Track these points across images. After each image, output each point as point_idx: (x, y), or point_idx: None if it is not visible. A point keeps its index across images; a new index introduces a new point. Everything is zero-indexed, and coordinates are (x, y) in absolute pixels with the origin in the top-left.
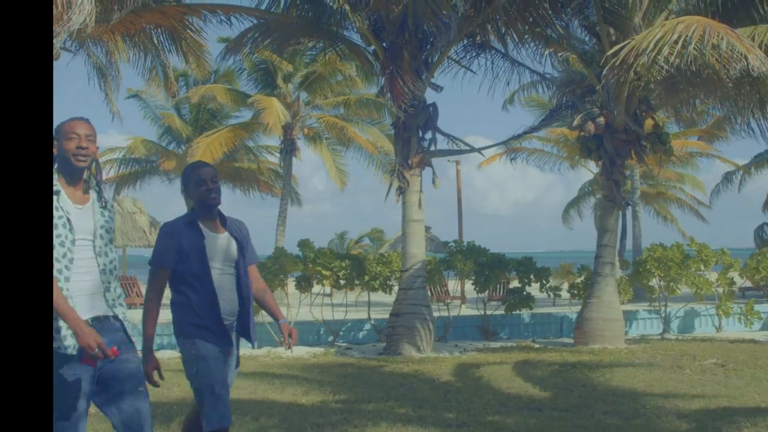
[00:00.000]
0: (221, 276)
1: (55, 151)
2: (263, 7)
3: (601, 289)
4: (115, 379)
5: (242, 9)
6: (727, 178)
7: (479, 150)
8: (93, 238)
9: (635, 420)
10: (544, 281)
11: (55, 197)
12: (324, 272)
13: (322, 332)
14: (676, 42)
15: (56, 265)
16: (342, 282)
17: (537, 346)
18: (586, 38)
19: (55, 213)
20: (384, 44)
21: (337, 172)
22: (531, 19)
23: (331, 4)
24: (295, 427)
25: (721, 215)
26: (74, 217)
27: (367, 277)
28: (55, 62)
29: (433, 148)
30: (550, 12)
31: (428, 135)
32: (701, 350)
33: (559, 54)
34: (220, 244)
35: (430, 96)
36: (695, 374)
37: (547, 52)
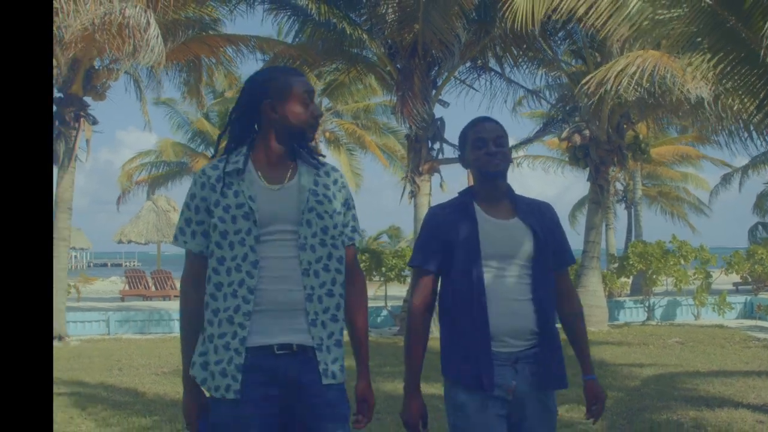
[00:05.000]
0: (501, 280)
1: (274, 113)
2: (293, 33)
3: (587, 279)
4: None
5: (273, 42)
6: (726, 179)
7: None
8: (296, 227)
9: None
10: None
11: (233, 177)
12: None
13: None
14: (634, 73)
15: (234, 276)
16: None
17: None
18: (574, 62)
19: (233, 199)
20: (398, 65)
21: (352, 176)
22: (525, 45)
23: (350, 33)
24: None
25: (724, 215)
26: (264, 203)
27: (384, 269)
28: (113, 83)
29: (441, 156)
30: (540, 39)
31: (437, 145)
32: (669, 332)
33: (551, 73)
34: (504, 234)
35: (438, 111)
36: (657, 349)
37: (540, 72)
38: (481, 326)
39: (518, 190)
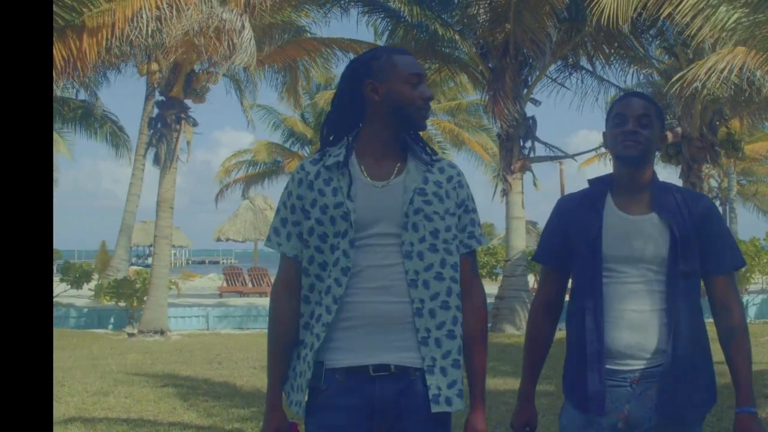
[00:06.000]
0: (624, 287)
1: (375, 95)
2: (385, 35)
3: None
4: None
5: (366, 44)
6: None
7: (573, 156)
8: (400, 231)
9: None
10: None
11: (333, 172)
12: None
13: None
14: (723, 69)
15: (317, 285)
16: None
17: None
18: (666, 58)
19: (331, 198)
20: (489, 65)
21: None
22: (616, 43)
23: (443, 33)
24: None
25: None
26: (364, 202)
27: None
28: (213, 86)
29: (532, 155)
30: (631, 37)
31: (528, 144)
32: (762, 330)
33: (643, 71)
34: (632, 232)
35: (530, 109)
36: None
37: (632, 70)
38: (594, 339)
39: None
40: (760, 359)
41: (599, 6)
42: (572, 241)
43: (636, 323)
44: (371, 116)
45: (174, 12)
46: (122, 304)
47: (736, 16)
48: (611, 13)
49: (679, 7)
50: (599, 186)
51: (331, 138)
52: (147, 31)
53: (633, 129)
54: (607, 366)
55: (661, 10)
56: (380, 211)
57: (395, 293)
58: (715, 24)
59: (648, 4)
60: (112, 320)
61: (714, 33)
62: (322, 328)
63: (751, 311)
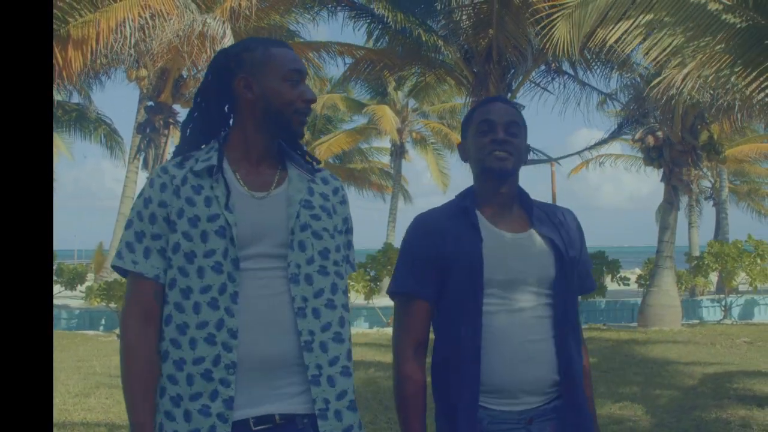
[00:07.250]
0: (512, 315)
1: (249, 93)
2: (372, 39)
3: (661, 279)
4: None
5: (354, 47)
6: None
7: (556, 159)
8: (284, 251)
9: (655, 378)
10: (615, 272)
11: (204, 179)
12: None
13: None
14: (699, 76)
15: (206, 315)
16: None
17: (604, 327)
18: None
19: (203, 209)
20: (474, 69)
21: (439, 175)
22: (597, 49)
23: (426, 39)
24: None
25: None
26: (244, 216)
27: None
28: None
29: None
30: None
31: None
32: (740, 331)
33: (627, 75)
34: (515, 252)
35: None
36: (723, 348)
37: (615, 75)
38: (469, 380)
39: (609, 188)
40: (731, 360)
41: (552, 42)
42: (449, 265)
43: (530, 355)
44: (244, 116)
45: (157, 21)
46: (113, 305)
47: (676, 41)
48: (564, 46)
49: (622, 38)
50: (465, 201)
51: (195, 140)
52: (131, 40)
53: (504, 137)
54: (500, 408)
55: (607, 38)
56: (261, 228)
57: (279, 327)
58: (662, 49)
59: (596, 35)
60: (103, 322)
61: (660, 56)
62: (226, 371)
63: (735, 312)
